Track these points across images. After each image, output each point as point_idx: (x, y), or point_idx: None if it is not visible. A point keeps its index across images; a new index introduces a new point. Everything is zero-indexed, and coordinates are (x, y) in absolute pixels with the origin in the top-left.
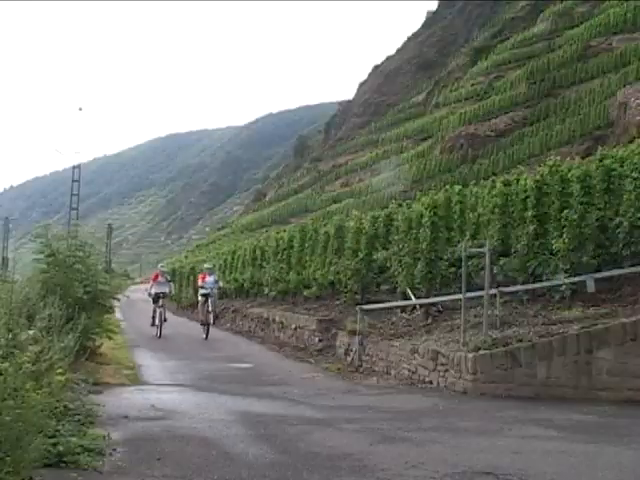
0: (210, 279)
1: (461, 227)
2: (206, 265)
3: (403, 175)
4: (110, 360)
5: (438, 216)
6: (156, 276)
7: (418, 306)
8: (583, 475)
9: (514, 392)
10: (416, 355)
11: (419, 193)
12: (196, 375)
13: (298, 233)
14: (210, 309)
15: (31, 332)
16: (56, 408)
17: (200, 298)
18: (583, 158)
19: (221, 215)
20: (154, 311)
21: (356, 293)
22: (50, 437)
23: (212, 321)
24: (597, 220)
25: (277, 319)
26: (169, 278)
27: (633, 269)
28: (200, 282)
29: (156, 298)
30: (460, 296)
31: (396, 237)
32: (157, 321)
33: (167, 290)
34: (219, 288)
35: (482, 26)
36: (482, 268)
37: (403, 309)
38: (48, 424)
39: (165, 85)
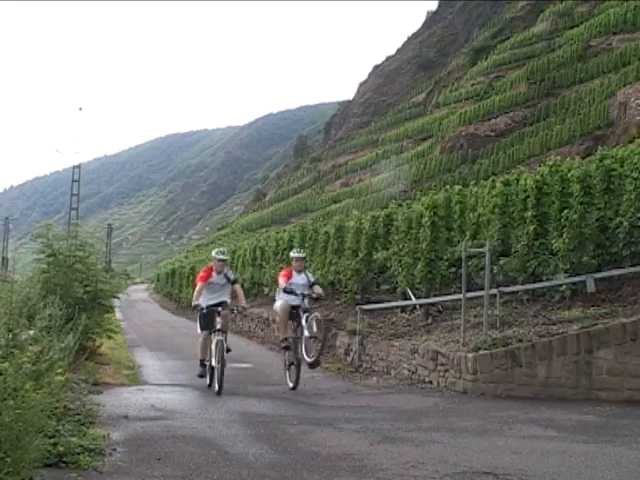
0: (301, 278)
1: (461, 227)
2: (294, 252)
3: (403, 175)
4: (110, 360)
5: (438, 216)
6: (208, 272)
7: (418, 306)
8: (583, 475)
9: (514, 392)
10: (416, 355)
11: (419, 193)
12: (196, 375)
13: (298, 233)
14: (307, 333)
15: (31, 332)
16: (56, 408)
17: (280, 312)
18: (583, 158)
19: (221, 215)
20: (204, 344)
21: (356, 293)
22: (50, 437)
23: (312, 358)
24: (597, 220)
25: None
26: (232, 277)
27: (633, 269)
28: (283, 282)
29: (208, 316)
30: (460, 296)
31: (396, 237)
32: (214, 361)
33: (227, 299)
34: (316, 297)
35: (482, 26)
36: (482, 268)
37: (403, 309)
38: (48, 424)
39: (165, 85)
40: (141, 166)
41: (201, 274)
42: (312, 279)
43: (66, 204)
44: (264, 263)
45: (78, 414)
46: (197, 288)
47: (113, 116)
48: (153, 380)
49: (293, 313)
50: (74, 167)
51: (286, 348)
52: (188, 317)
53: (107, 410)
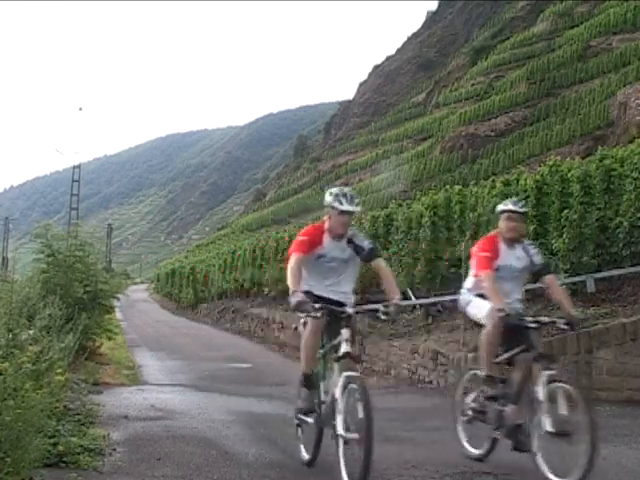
0: (516, 257)
1: (461, 227)
2: (510, 204)
3: (403, 175)
4: (110, 360)
5: (438, 216)
6: (316, 234)
7: (418, 306)
8: None
9: None
10: (416, 355)
11: (419, 193)
12: (196, 375)
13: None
14: (550, 427)
15: (31, 332)
16: (56, 408)
17: (488, 331)
18: (583, 158)
19: (221, 215)
20: (312, 344)
21: (356, 293)
22: (50, 437)
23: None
24: (597, 220)
25: (277, 319)
26: (367, 246)
27: (633, 269)
28: (484, 271)
29: (322, 323)
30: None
31: (396, 237)
32: (339, 424)
33: (350, 299)
34: (569, 326)
35: (482, 26)
36: None
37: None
38: (48, 424)
39: (165, 85)
40: (141, 166)
41: (301, 238)
42: (539, 260)
43: (66, 204)
44: (264, 263)
45: (78, 414)
46: (291, 264)
47: (113, 116)
48: (153, 380)
49: (510, 337)
50: (74, 167)
51: (491, 397)
52: (188, 317)
53: (107, 410)
